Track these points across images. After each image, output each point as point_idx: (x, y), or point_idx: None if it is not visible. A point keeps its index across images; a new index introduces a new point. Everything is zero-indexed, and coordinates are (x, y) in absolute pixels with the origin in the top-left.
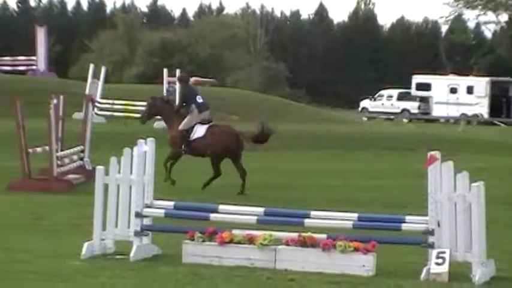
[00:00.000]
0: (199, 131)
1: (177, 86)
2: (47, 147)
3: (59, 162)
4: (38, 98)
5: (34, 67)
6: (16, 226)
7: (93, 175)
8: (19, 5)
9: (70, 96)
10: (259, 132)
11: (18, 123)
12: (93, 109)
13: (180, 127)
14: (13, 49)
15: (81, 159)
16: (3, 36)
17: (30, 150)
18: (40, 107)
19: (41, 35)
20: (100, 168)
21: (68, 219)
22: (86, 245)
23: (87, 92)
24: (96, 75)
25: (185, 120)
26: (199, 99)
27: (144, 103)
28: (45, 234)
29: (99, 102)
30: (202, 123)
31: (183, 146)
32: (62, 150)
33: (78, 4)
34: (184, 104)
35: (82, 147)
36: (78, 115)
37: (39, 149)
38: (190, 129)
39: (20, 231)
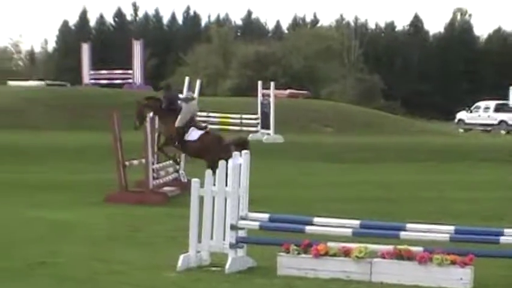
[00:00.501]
0: (194, 135)
1: (271, 99)
2: (143, 160)
3: (154, 174)
4: (134, 111)
5: (130, 80)
6: (113, 238)
7: (188, 187)
8: (116, 19)
9: None
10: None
11: (115, 136)
12: None
13: (177, 124)
14: (110, 63)
15: (177, 171)
16: (100, 50)
17: (126, 162)
18: None
19: (137, 49)
20: (195, 181)
21: (163, 231)
22: (181, 257)
23: None
24: (191, 88)
25: (179, 116)
26: (180, 96)
27: (238, 115)
28: (141, 246)
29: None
30: (198, 127)
31: (176, 143)
32: (157, 163)
33: (173, 18)
34: (170, 106)
35: (178, 160)
36: None
37: (135, 162)
38: (186, 129)
39: (117, 243)
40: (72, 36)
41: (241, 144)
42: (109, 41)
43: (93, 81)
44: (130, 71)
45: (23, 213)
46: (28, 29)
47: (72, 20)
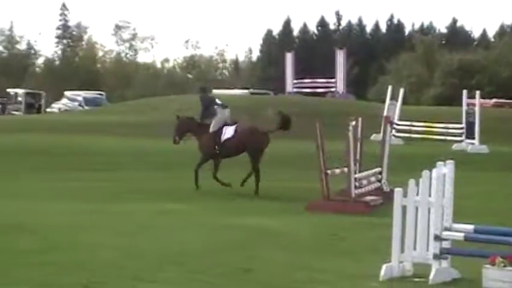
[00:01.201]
0: (229, 132)
1: (476, 108)
2: (345, 169)
3: (357, 183)
4: (336, 120)
5: (333, 89)
6: (314, 246)
7: (390, 197)
8: (319, 28)
9: (368, 118)
10: (280, 121)
11: (318, 145)
12: (391, 131)
13: (211, 129)
14: (313, 71)
15: (379, 181)
16: (303, 59)
17: (328, 171)
18: (339, 129)
19: (340, 58)
20: (398, 191)
21: (365, 240)
22: (384, 267)
23: (385, 113)
24: (394, 97)
25: (213, 122)
26: (218, 102)
27: (442, 125)
28: (343, 254)
29: (397, 124)
30: (229, 124)
31: (216, 147)
32: (360, 172)
33: (376, 26)
34: (205, 110)
35: (380, 168)
36: (376, 137)
37: (337, 171)
38: (219, 132)
39: (319, 251)
40: (276, 45)
41: (284, 127)
42: (312, 49)
43: (296, 89)
44: (333, 80)
45: (226, 220)
46: (233, 38)
47: (276, 30)
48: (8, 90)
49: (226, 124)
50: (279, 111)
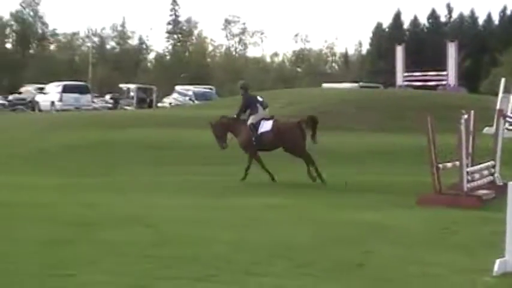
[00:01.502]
0: (266, 126)
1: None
2: (457, 163)
3: (469, 177)
4: (447, 113)
5: (444, 82)
6: (427, 240)
7: (503, 191)
8: (430, 21)
9: (480, 111)
10: (308, 120)
11: (429, 138)
12: (504, 124)
13: (249, 122)
14: (423, 64)
15: (492, 174)
16: (413, 52)
17: (440, 165)
18: (450, 122)
19: (451, 50)
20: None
21: (478, 234)
22: (498, 261)
23: (498, 106)
24: (507, 90)
25: (252, 116)
26: (260, 99)
27: None
28: (455, 249)
29: (510, 117)
30: (266, 119)
31: (253, 139)
32: (472, 166)
33: (489, 18)
34: (245, 109)
35: (493, 162)
36: (488, 130)
37: (449, 164)
38: (257, 124)
39: (431, 245)
40: (386, 38)
41: (312, 121)
42: (422, 42)
43: (406, 83)
44: (444, 73)
45: (335, 214)
46: (343, 31)
47: (386, 22)
48: (121, 85)
49: (264, 118)
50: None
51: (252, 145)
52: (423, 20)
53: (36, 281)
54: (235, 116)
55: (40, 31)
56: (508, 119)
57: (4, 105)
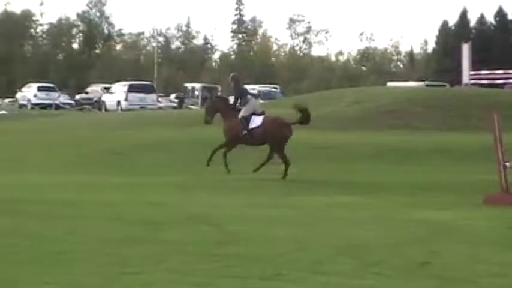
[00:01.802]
0: (257, 121)
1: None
2: None
3: None
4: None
5: (511, 80)
6: (493, 239)
7: None
8: (497, 19)
9: None
10: (301, 116)
11: (496, 137)
12: None
13: (240, 115)
14: (490, 63)
15: None
16: (480, 50)
17: (507, 163)
18: None
19: None
20: None
21: None
22: None
23: None
24: None
25: (243, 108)
26: (250, 91)
27: None
28: None
29: None
30: (257, 114)
31: (244, 132)
32: None
33: None
34: (239, 100)
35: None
36: None
37: None
38: (249, 118)
39: (497, 244)
40: (452, 36)
41: (305, 121)
42: (489, 40)
43: (473, 81)
44: (511, 71)
45: (401, 213)
46: (408, 30)
47: (452, 21)
48: (186, 84)
49: (254, 113)
50: (298, 106)
51: (234, 136)
52: (490, 18)
53: (104, 279)
54: (231, 105)
55: (106, 31)
56: None
57: (71, 104)
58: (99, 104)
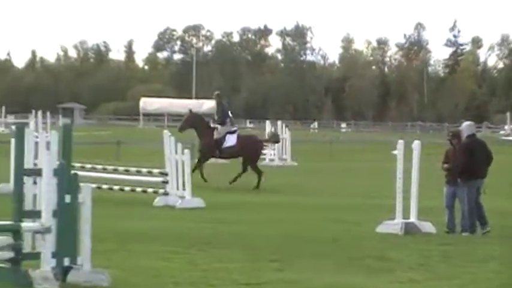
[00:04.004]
0: (231, 140)
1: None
2: None
3: None
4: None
5: None
6: None
7: None
8: None
9: None
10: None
11: None
12: None
13: (215, 136)
14: None
15: None
16: None
17: None
18: None
19: None
20: None
21: None
22: None
23: None
24: None
25: (219, 130)
26: (230, 114)
27: None
28: None
29: None
30: (230, 132)
31: (217, 152)
32: None
33: None
34: (219, 118)
35: None
36: None
37: None
38: (222, 139)
39: None
40: None
41: (274, 140)
42: None
43: None
44: None
45: None
46: None
47: None
48: None
49: (228, 132)
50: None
51: (210, 155)
52: None
53: None
54: (217, 124)
55: None
56: None
57: None
58: None
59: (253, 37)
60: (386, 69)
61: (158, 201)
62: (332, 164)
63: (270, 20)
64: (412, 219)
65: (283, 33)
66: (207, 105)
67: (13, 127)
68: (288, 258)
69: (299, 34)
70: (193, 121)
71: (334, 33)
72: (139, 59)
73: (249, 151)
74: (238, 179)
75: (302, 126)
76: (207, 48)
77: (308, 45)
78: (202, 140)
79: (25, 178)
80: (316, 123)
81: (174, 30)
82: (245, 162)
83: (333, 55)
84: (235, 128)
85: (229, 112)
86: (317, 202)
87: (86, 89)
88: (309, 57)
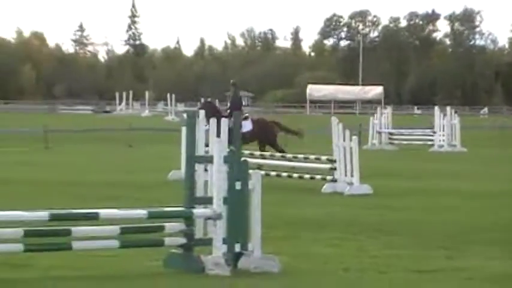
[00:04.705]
0: (247, 125)
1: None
2: None
3: None
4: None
5: None
6: None
7: None
8: None
9: None
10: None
11: None
12: None
13: (230, 125)
14: None
15: None
16: None
17: None
18: None
19: None
20: None
21: None
22: None
23: None
24: None
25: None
26: (244, 103)
27: None
28: None
29: None
30: (244, 118)
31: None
32: None
33: None
34: (234, 109)
35: None
36: None
37: None
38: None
39: None
40: None
41: (298, 133)
42: None
43: None
44: None
45: None
46: None
47: None
48: None
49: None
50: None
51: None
52: None
53: None
54: (226, 113)
55: None
56: None
57: None
58: None
59: (420, 22)
60: None
61: (326, 187)
62: (503, 151)
63: (438, 5)
64: None
65: (451, 18)
66: (374, 91)
67: (184, 115)
68: (458, 245)
69: (468, 18)
70: (206, 110)
71: (504, 16)
72: (306, 46)
73: (265, 132)
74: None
75: (471, 111)
76: (374, 34)
77: (477, 29)
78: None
79: (196, 165)
80: (486, 109)
81: (340, 17)
82: (262, 144)
83: (503, 39)
84: (246, 115)
85: (243, 101)
86: (491, 189)
87: (253, 77)
88: (478, 42)
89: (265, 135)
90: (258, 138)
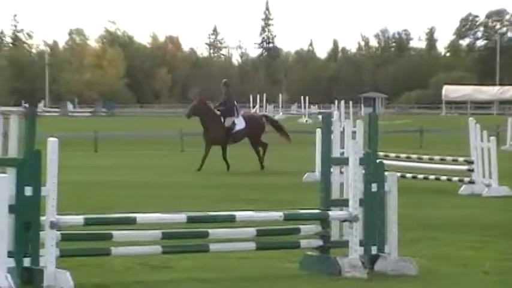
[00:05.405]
0: (240, 123)
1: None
2: None
3: None
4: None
5: None
6: None
7: None
8: None
9: None
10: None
11: None
12: None
13: (226, 125)
14: None
15: None
16: None
17: None
18: None
19: None
20: None
21: None
22: None
23: None
24: None
25: (227, 120)
26: (236, 103)
27: None
28: None
29: None
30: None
31: (231, 139)
32: None
33: None
34: (222, 105)
35: None
36: None
37: None
38: (232, 125)
39: None
40: None
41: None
42: None
43: None
44: None
45: None
46: None
47: None
48: None
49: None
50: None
51: (220, 140)
52: None
53: None
54: (215, 108)
55: None
56: None
57: None
58: None
59: None
60: None
61: (464, 189)
62: None
63: None
64: None
65: None
66: (511, 92)
67: (319, 117)
68: None
69: None
70: (199, 109)
71: None
72: (441, 47)
73: (256, 128)
74: (263, 157)
75: None
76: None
77: None
78: (210, 129)
79: (332, 167)
80: None
81: (476, 16)
82: (256, 140)
83: None
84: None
85: (235, 103)
86: None
87: (387, 78)
88: None
89: (256, 131)
90: (249, 135)
